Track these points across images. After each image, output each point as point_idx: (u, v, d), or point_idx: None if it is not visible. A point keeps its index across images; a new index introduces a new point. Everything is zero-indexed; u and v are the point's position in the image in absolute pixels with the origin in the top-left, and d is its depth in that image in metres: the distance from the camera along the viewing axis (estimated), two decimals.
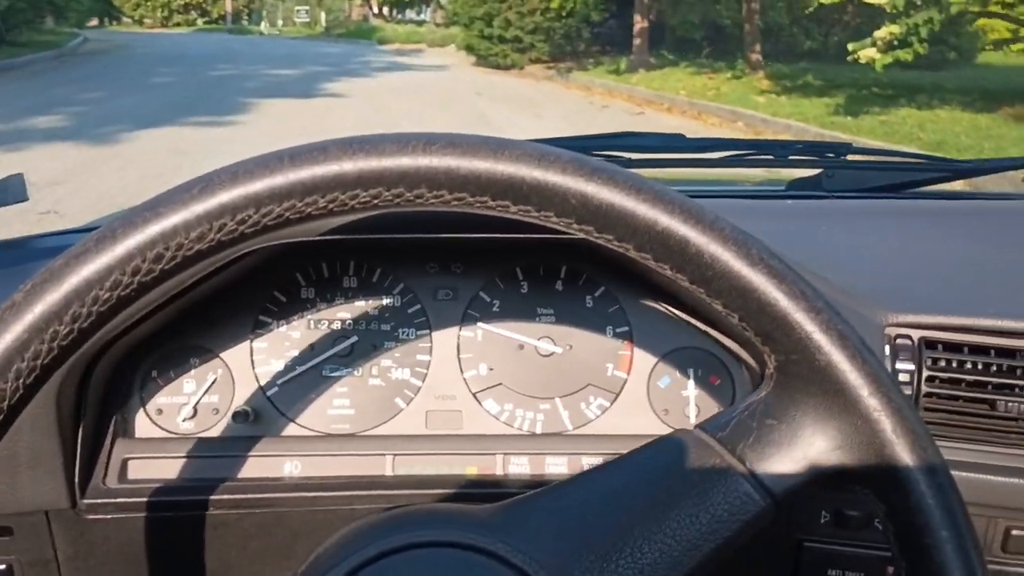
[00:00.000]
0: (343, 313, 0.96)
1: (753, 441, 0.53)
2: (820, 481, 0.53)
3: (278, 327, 0.95)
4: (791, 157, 1.36)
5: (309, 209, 0.46)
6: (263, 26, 37.39)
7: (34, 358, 0.44)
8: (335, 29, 31.82)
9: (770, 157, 1.37)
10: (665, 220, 0.48)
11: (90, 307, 0.44)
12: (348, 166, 0.46)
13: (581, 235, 0.50)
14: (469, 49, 18.41)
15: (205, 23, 40.26)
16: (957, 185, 1.42)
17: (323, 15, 35.20)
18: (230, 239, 0.46)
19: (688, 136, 1.38)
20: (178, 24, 39.89)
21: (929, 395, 0.87)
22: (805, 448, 0.52)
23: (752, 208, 1.22)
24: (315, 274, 0.96)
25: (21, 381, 0.44)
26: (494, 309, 0.97)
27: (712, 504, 0.53)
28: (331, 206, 0.47)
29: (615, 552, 0.52)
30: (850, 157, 1.37)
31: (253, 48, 23.19)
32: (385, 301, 0.96)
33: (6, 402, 0.44)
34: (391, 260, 0.97)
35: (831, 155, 1.38)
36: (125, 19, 40.05)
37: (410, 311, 0.96)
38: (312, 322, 0.95)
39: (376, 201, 0.47)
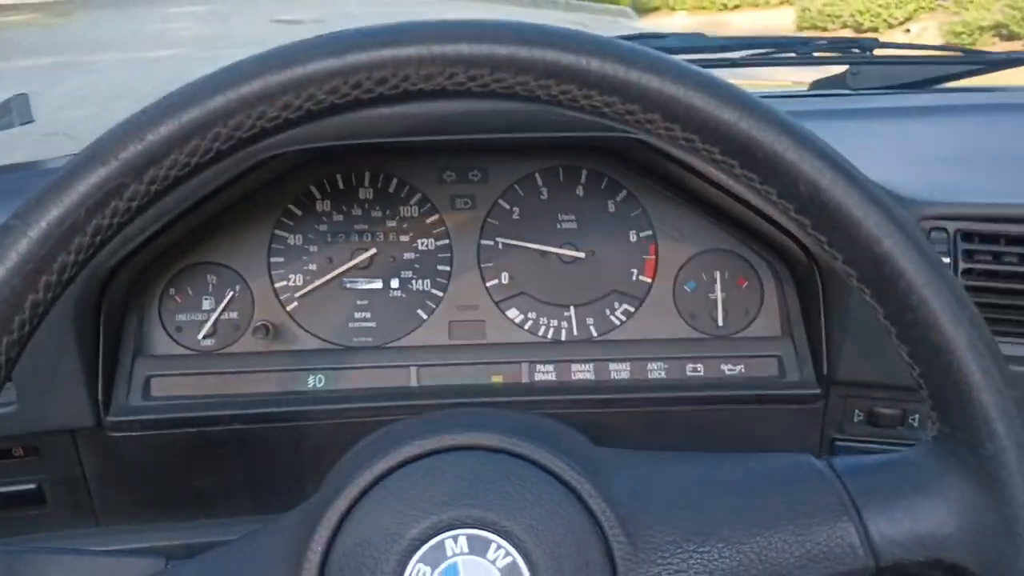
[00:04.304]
0: (360, 225, 0.94)
1: (880, 499, 0.49)
2: (932, 567, 0.48)
3: (295, 240, 0.93)
4: (815, 54, 1.31)
5: (495, 86, 0.43)
6: None
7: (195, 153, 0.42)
8: None
9: (792, 55, 1.32)
10: (888, 244, 0.44)
11: (255, 120, 0.42)
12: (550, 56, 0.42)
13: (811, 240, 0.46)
14: None
15: None
16: (990, 80, 1.36)
17: None
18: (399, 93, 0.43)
19: (708, 35, 1.33)
20: None
21: (966, 289, 0.84)
22: (933, 529, 0.48)
23: None
24: (330, 186, 0.94)
25: (196, 159, 0.42)
26: (514, 216, 0.95)
27: (809, 540, 0.49)
28: (519, 88, 0.43)
29: (693, 542, 0.48)
30: (877, 52, 1.32)
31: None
32: (403, 211, 0.94)
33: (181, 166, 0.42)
34: (407, 170, 0.94)
35: (856, 51, 1.33)
36: None
37: (428, 221, 0.94)
38: (329, 235, 0.93)
39: (562, 98, 0.43)
